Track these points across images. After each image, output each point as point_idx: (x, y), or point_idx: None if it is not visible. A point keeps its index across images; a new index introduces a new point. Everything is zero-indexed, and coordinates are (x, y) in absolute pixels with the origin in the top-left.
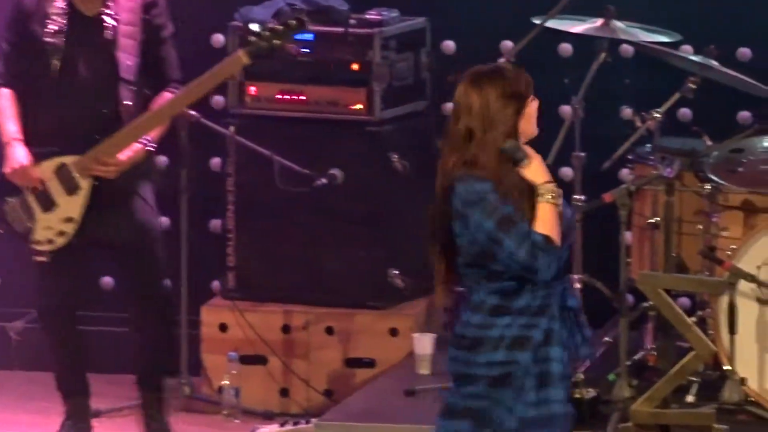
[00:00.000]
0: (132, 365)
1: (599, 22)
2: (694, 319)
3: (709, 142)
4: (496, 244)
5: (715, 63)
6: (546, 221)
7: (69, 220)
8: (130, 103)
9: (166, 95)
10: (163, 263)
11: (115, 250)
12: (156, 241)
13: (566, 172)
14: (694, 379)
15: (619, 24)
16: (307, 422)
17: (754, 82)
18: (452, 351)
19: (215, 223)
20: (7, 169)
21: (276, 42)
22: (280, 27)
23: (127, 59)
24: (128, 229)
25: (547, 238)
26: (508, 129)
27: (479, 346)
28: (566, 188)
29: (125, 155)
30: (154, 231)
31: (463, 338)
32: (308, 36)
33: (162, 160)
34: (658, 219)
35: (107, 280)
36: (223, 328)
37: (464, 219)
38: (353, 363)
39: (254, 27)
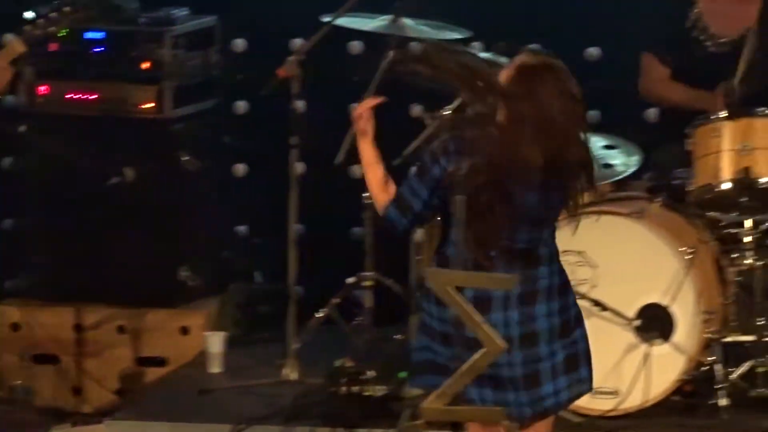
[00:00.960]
0: None
1: (388, 19)
2: None
3: None
4: None
5: (504, 60)
6: None
7: None
8: None
9: None
10: None
11: None
12: None
13: (357, 170)
14: None
15: (408, 21)
16: (99, 421)
17: None
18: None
19: (7, 222)
20: None
21: (50, 29)
22: (54, 14)
23: None
24: None
25: None
26: None
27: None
28: (357, 185)
29: None
30: None
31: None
32: (99, 35)
33: None
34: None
35: None
36: (15, 327)
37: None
38: (144, 362)
39: (28, 15)
